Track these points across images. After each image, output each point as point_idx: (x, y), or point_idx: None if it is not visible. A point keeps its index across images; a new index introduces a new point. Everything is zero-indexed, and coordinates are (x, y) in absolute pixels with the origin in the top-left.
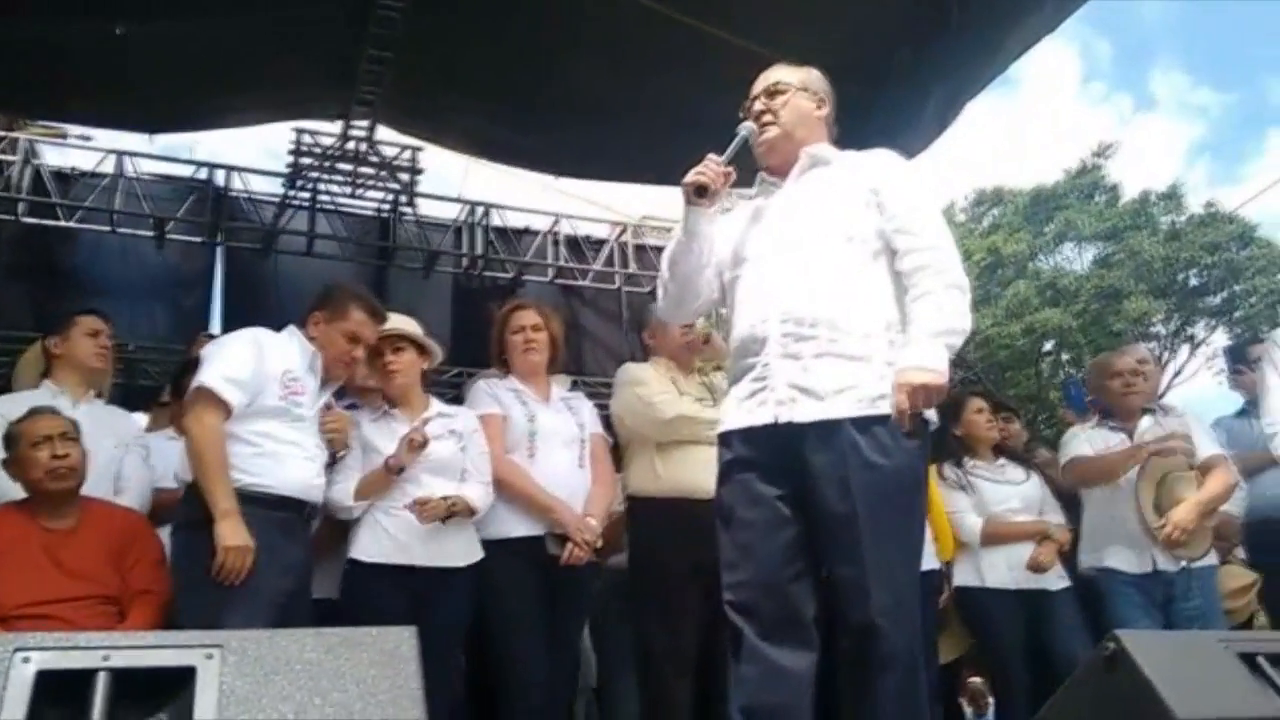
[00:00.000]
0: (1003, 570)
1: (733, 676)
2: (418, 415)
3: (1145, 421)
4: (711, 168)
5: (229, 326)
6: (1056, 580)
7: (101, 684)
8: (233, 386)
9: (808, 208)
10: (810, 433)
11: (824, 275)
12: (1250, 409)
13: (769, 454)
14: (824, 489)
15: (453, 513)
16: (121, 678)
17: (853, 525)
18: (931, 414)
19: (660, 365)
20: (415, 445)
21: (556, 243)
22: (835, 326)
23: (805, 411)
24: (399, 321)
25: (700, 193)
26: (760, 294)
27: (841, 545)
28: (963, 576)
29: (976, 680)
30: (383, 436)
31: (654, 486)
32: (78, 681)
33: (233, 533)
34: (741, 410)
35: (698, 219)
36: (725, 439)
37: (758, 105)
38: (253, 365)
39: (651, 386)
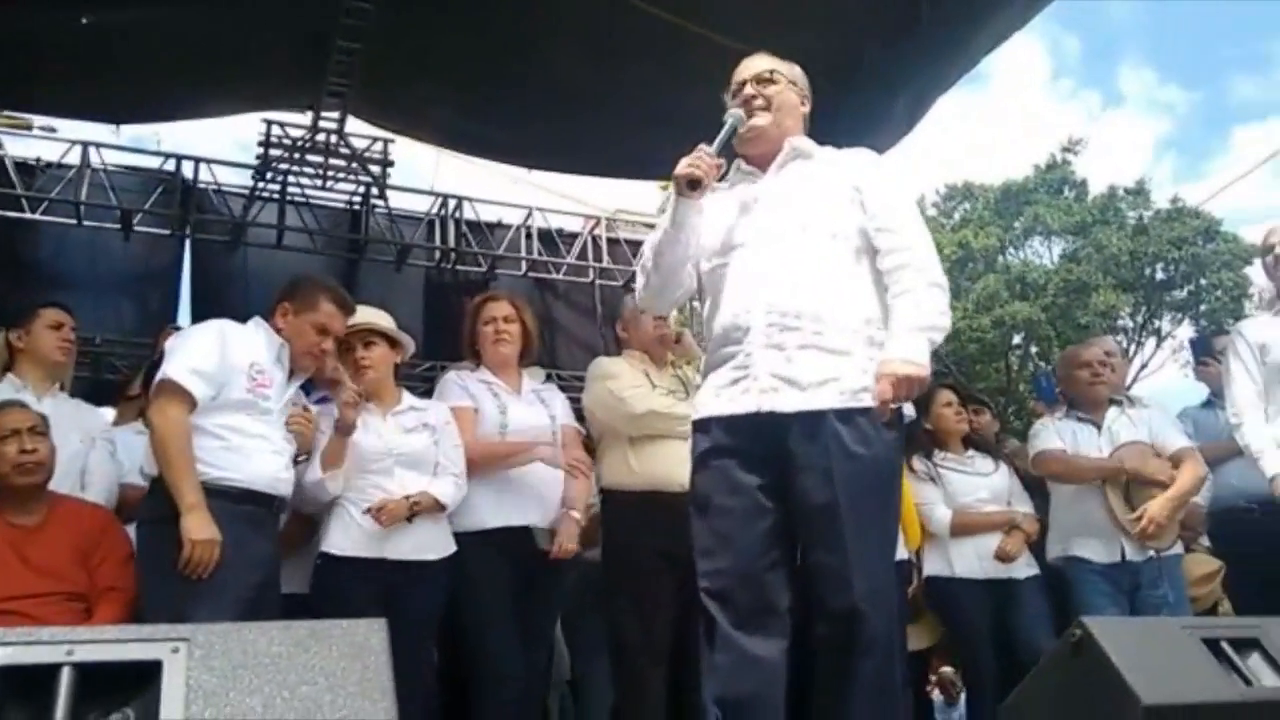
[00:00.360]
0: (972, 560)
1: (705, 665)
2: (390, 408)
3: (1112, 412)
4: (705, 159)
5: (197, 320)
6: (1024, 569)
7: (65, 679)
8: (197, 378)
9: (793, 201)
10: (793, 423)
11: (808, 269)
12: (1215, 400)
13: (750, 442)
14: (806, 479)
15: (415, 512)
16: (86, 672)
17: (835, 514)
18: (908, 407)
19: (633, 359)
20: (350, 404)
21: (529, 236)
22: (819, 320)
23: (788, 401)
24: (370, 315)
25: (693, 185)
26: (745, 284)
27: (823, 534)
28: (932, 566)
29: (948, 670)
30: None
31: (628, 480)
32: (41, 677)
33: (199, 526)
34: (721, 398)
35: (687, 211)
36: (703, 426)
37: (748, 90)
38: (217, 357)
39: (623, 380)
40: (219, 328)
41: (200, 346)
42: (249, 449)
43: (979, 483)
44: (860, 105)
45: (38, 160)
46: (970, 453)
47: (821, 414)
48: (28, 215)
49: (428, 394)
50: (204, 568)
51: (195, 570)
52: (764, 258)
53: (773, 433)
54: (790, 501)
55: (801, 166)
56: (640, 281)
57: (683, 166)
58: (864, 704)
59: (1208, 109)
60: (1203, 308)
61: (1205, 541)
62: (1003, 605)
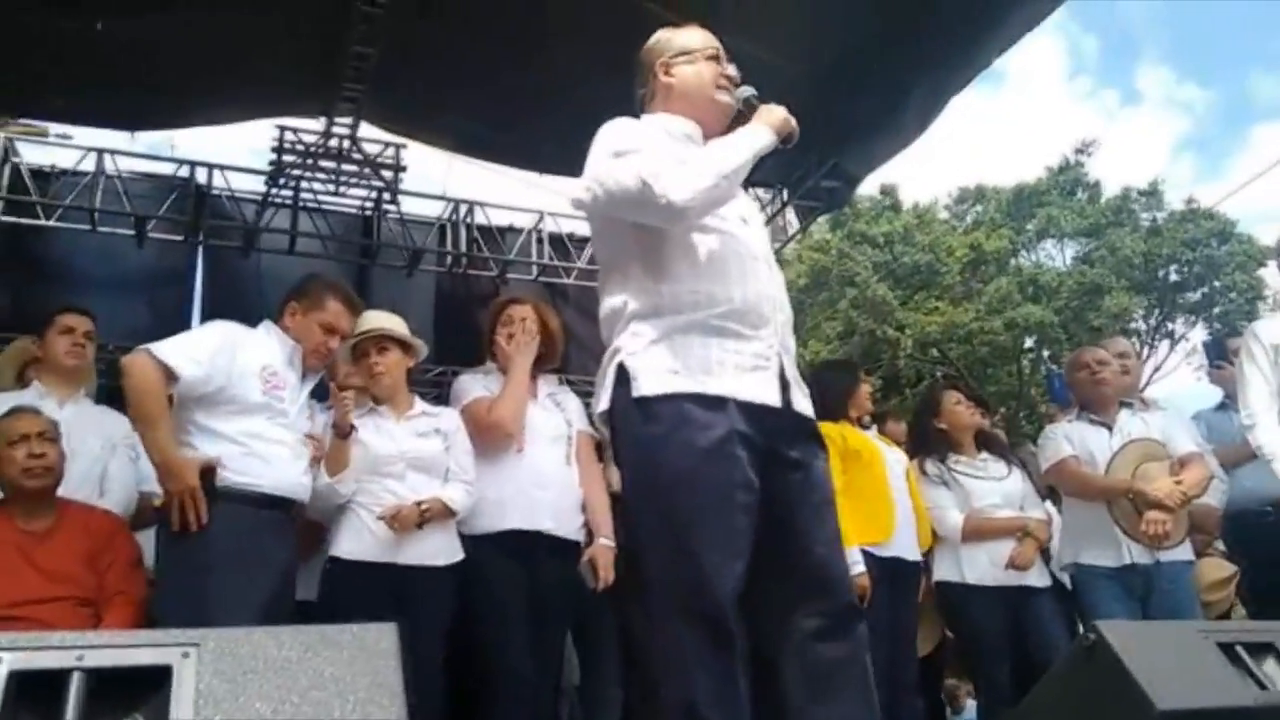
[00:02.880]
0: (984, 566)
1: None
2: (403, 413)
3: (1124, 415)
4: None
5: None
6: (1039, 577)
7: (76, 684)
8: (182, 357)
9: (747, 200)
10: (804, 424)
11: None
12: (1230, 403)
13: (765, 436)
14: (814, 474)
15: (426, 519)
16: (96, 677)
17: (832, 511)
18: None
19: None
20: (344, 409)
21: (540, 241)
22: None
23: (803, 404)
24: (383, 320)
25: (787, 140)
26: (755, 271)
27: (824, 530)
28: (943, 571)
29: (952, 681)
30: (368, 430)
31: None
32: (52, 681)
33: (178, 474)
34: (745, 381)
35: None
36: (718, 405)
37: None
38: (211, 350)
39: None
40: (225, 328)
41: (197, 335)
42: (270, 454)
43: (992, 487)
44: (871, 106)
45: (52, 167)
46: (984, 455)
47: (813, 421)
48: (42, 222)
49: (438, 399)
50: (191, 518)
51: (179, 521)
52: (762, 252)
53: (787, 431)
54: (790, 495)
55: None
56: (703, 183)
57: (789, 117)
58: (864, 697)
59: (1227, 107)
60: (1216, 310)
61: (1220, 546)
62: (1017, 614)
